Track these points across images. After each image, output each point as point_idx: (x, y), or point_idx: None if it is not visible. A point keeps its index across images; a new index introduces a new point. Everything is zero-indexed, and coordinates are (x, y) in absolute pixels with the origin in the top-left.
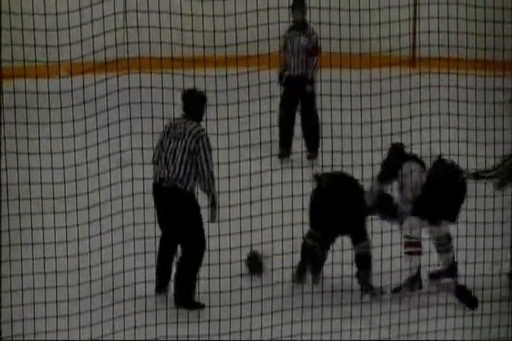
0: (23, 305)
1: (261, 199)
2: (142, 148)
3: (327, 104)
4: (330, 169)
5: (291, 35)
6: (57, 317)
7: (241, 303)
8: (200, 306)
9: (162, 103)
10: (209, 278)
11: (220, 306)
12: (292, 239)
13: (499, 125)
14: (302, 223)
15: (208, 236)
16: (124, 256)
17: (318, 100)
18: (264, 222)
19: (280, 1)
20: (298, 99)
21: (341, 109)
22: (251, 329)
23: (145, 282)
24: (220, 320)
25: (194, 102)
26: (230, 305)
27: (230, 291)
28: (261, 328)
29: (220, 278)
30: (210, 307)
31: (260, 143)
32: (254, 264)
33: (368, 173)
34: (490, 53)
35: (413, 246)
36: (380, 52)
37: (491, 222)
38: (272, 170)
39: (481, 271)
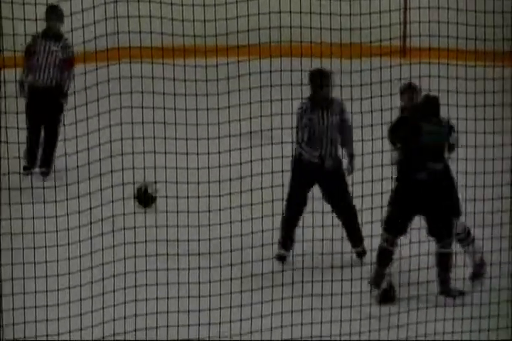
0: (24, 308)
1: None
2: (132, 138)
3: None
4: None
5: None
6: (58, 319)
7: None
8: None
9: (153, 92)
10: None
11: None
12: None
13: (489, 115)
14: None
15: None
16: (125, 258)
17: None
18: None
19: None
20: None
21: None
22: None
23: (145, 285)
24: (220, 323)
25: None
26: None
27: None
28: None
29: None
30: (210, 310)
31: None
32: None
33: (358, 163)
34: (481, 43)
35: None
36: (370, 42)
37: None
38: (262, 159)
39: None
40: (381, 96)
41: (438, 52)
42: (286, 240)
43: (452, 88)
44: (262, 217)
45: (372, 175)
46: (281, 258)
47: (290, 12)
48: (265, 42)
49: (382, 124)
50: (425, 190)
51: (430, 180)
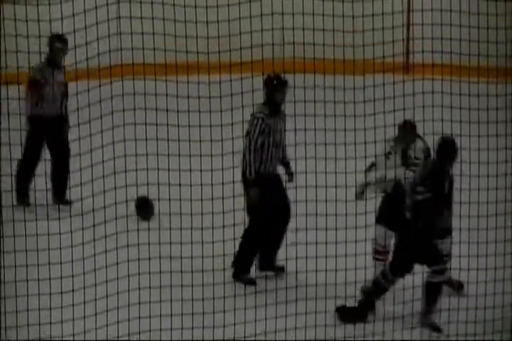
0: (28, 310)
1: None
2: (136, 155)
3: (321, 110)
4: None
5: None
6: (62, 322)
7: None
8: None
9: (156, 109)
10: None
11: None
12: None
13: (493, 131)
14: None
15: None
16: (128, 260)
17: (312, 106)
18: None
19: (274, 7)
20: None
21: (335, 116)
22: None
23: (149, 287)
24: (214, 327)
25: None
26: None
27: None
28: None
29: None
30: (203, 313)
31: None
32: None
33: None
34: (483, 59)
35: (380, 254)
36: (373, 59)
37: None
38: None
39: (484, 277)
40: (384, 112)
41: (441, 69)
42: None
43: (455, 104)
44: None
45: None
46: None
47: (293, 28)
48: (268, 58)
49: (385, 141)
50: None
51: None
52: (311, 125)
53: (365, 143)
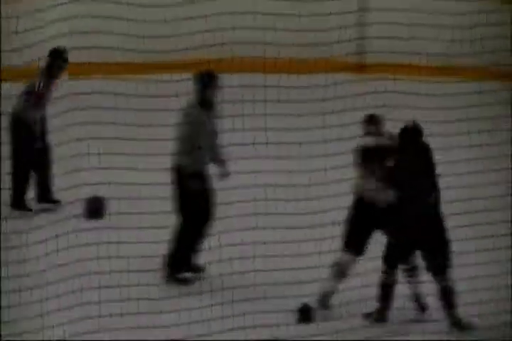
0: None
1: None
2: (100, 154)
3: (274, 109)
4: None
5: None
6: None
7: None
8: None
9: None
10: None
11: None
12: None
13: (452, 130)
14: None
15: None
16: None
17: (266, 106)
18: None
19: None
20: None
21: (290, 115)
22: None
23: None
24: None
25: None
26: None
27: None
28: None
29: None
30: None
31: None
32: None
33: (320, 178)
34: (439, 59)
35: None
36: (327, 58)
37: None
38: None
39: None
40: (331, 112)
41: (395, 68)
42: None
43: (411, 103)
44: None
45: (332, 190)
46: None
47: (267, 28)
48: (220, 58)
49: (340, 140)
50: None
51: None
52: (260, 124)
53: (326, 141)
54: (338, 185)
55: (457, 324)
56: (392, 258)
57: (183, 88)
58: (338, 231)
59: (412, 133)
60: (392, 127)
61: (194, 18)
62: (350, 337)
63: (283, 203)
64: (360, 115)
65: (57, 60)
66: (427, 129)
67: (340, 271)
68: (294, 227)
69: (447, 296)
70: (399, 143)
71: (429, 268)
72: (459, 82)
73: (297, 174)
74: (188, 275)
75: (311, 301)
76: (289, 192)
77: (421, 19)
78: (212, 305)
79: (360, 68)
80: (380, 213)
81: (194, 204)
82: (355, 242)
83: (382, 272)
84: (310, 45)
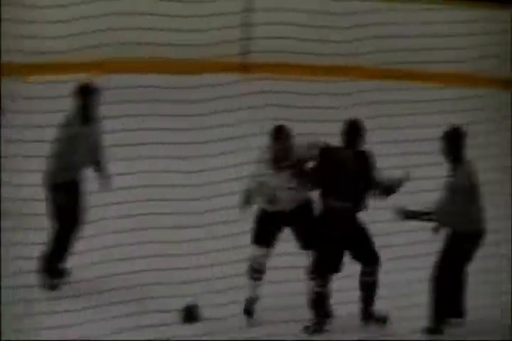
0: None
1: None
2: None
3: (156, 110)
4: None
5: None
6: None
7: None
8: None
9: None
10: None
11: None
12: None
13: (331, 130)
14: None
15: None
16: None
17: (152, 106)
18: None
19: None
20: None
21: (176, 115)
22: None
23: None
24: None
25: None
26: None
27: None
28: None
29: None
30: None
31: None
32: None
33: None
34: (320, 58)
35: (257, 272)
36: (210, 58)
37: None
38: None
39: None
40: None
41: (279, 68)
42: None
43: (292, 103)
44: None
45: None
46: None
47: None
48: (107, 58)
49: (224, 140)
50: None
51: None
52: (143, 124)
53: (207, 142)
54: (225, 185)
55: (372, 318)
56: (322, 267)
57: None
58: (226, 230)
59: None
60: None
61: (79, 19)
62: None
63: (167, 203)
64: (245, 115)
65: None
66: (311, 129)
67: (257, 267)
68: (180, 227)
69: (370, 290)
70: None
71: (357, 259)
72: (345, 82)
73: (182, 174)
74: (54, 279)
75: (195, 301)
76: (173, 193)
77: (311, 20)
78: (90, 308)
79: (245, 68)
80: (289, 213)
81: (63, 212)
82: (265, 236)
83: (312, 282)
84: (195, 46)
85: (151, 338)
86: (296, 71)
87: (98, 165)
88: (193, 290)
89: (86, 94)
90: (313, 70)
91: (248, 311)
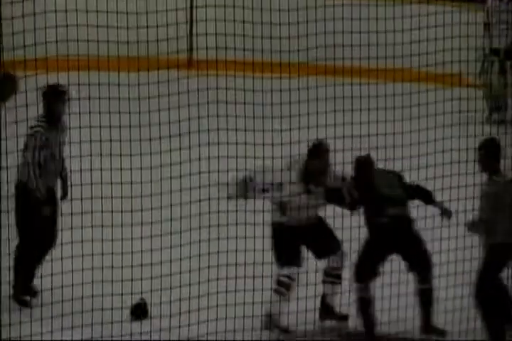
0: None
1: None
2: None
3: (104, 107)
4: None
5: None
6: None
7: None
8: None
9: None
10: None
11: None
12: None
13: (281, 126)
14: None
15: None
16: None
17: (92, 104)
18: None
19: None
20: None
21: (119, 113)
22: None
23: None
24: None
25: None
26: None
27: None
28: None
29: None
30: None
31: None
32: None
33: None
34: (267, 55)
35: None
36: (157, 55)
37: None
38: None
39: None
40: (169, 109)
41: (224, 64)
42: None
43: (239, 100)
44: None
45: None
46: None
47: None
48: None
49: (170, 137)
50: (390, 233)
51: (393, 224)
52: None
53: (150, 140)
54: (175, 181)
55: (430, 329)
56: (362, 272)
57: None
58: (177, 226)
59: None
60: (224, 123)
61: (24, 16)
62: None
63: (117, 200)
64: (193, 111)
65: None
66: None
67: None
68: (128, 225)
69: (426, 298)
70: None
71: (411, 268)
72: (293, 78)
73: (132, 171)
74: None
75: (145, 298)
76: (123, 190)
77: (257, 17)
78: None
79: (190, 65)
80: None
81: (41, 225)
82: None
83: (356, 287)
84: (141, 43)
85: (101, 335)
86: (242, 67)
87: (64, 170)
88: (142, 287)
89: (54, 96)
90: (259, 67)
91: (269, 325)
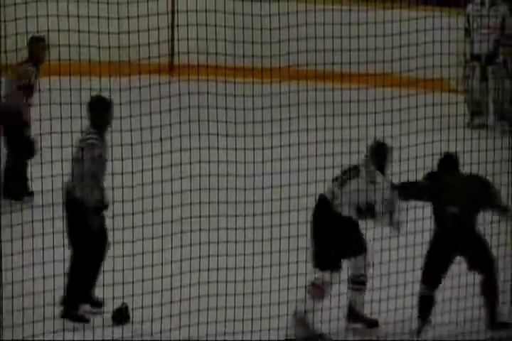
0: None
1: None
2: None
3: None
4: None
5: None
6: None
7: None
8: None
9: None
10: None
11: None
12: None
13: (261, 131)
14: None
15: None
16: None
17: (74, 109)
18: None
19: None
20: None
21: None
22: None
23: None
24: None
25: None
26: None
27: None
28: None
29: None
30: None
31: None
32: None
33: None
34: (248, 60)
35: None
36: (139, 60)
37: None
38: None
39: None
40: (150, 114)
41: (206, 69)
42: None
43: (221, 105)
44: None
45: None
46: None
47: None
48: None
49: (151, 142)
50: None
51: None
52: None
53: (132, 144)
54: (157, 186)
55: (497, 324)
56: (430, 275)
57: None
58: (158, 231)
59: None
60: (205, 128)
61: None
62: None
63: None
64: (174, 116)
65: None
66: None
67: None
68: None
69: (490, 296)
70: None
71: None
72: (274, 83)
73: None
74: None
75: (127, 302)
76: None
77: (238, 22)
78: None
79: (171, 70)
80: None
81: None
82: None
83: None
84: (123, 48)
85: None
86: (223, 72)
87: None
88: (125, 291)
89: (103, 107)
90: (240, 72)
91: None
